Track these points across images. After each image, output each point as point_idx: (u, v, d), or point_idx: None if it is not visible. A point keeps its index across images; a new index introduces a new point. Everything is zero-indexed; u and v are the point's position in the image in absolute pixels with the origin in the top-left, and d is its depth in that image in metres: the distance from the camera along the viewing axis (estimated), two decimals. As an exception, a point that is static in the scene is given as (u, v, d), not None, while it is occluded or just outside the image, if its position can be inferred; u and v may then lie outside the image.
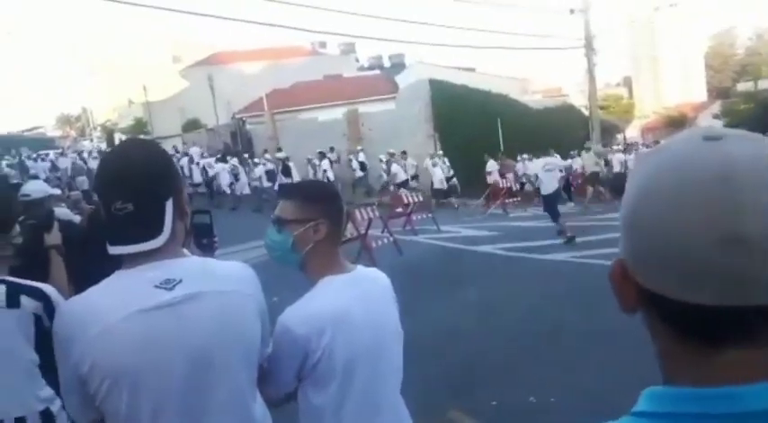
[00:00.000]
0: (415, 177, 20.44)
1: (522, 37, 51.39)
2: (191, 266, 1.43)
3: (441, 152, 21.27)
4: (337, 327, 1.73)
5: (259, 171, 19.97)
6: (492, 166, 19.49)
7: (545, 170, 11.97)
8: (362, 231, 10.87)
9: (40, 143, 37.68)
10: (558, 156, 17.97)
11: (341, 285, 1.81)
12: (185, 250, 1.53)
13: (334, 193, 1.97)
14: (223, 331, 1.40)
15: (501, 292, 7.92)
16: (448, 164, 20.48)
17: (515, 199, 18.02)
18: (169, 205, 1.41)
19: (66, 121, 65.32)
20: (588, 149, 18.25)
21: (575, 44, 23.71)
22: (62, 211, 5.10)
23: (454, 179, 20.53)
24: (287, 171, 19.52)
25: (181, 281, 1.37)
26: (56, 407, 2.37)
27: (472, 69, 34.79)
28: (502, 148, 21.01)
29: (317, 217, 1.81)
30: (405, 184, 18.92)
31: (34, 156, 27.03)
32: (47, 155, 27.54)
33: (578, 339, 5.86)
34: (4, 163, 25.26)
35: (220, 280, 1.44)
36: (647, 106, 66.95)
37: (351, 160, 22.28)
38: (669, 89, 72.52)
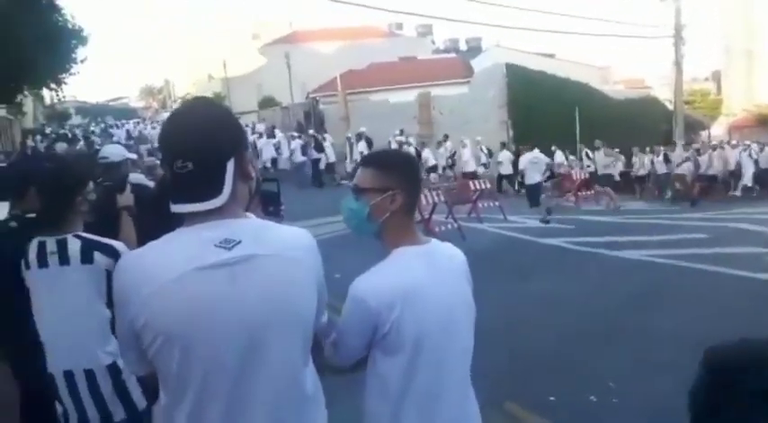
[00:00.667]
0: (485, 165, 20.07)
1: (605, 23, 49.51)
2: (251, 228, 1.40)
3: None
4: (407, 301, 1.71)
5: (295, 144, 20.38)
6: (560, 156, 18.93)
7: (531, 163, 13.77)
8: (426, 216, 10.81)
9: (123, 113, 39.46)
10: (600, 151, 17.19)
11: (414, 257, 1.78)
12: (250, 214, 1.50)
13: (411, 163, 1.95)
14: (278, 296, 1.37)
15: (565, 287, 7.68)
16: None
17: (588, 191, 17.41)
18: (230, 165, 1.38)
19: (149, 93, 67.80)
20: (598, 148, 17.26)
21: (663, 33, 22.61)
22: (136, 176, 5.23)
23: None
24: (319, 146, 20.09)
25: (240, 241, 1.35)
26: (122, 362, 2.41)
27: (551, 55, 33.81)
28: (578, 138, 20.34)
29: (393, 186, 1.79)
30: (473, 172, 18.67)
31: (116, 123, 28.36)
32: (125, 123, 28.88)
33: (643, 340, 5.65)
34: (91, 128, 26.65)
35: (280, 244, 1.41)
36: (737, 103, 63.34)
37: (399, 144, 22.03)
38: (762, 86, 68.26)
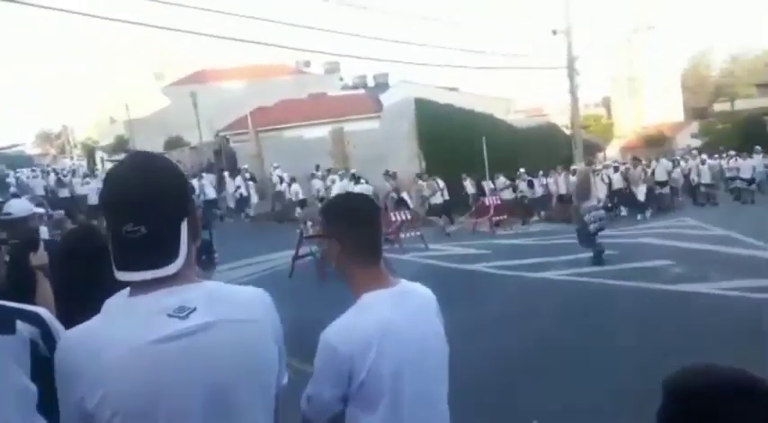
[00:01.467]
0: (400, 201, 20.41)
1: (504, 57, 52.05)
2: (205, 293, 1.31)
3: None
4: (381, 343, 1.68)
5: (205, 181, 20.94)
6: (469, 185, 20.12)
7: None
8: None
9: (18, 160, 37.15)
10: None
11: (382, 300, 1.75)
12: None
13: (351, 208, 1.86)
14: (240, 364, 1.30)
15: (493, 312, 7.85)
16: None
17: (501, 217, 18.03)
18: (184, 227, 1.30)
19: (46, 139, 64.51)
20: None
21: (557, 65, 24.00)
22: (41, 231, 4.98)
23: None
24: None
25: (195, 309, 1.26)
26: None
27: (455, 89, 35.04)
28: (486, 166, 21.09)
29: (331, 233, 1.80)
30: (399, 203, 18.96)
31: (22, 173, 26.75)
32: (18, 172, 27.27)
33: (576, 358, 5.81)
34: None
35: (236, 307, 1.33)
36: (626, 126, 67.94)
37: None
38: (647, 109, 73.67)
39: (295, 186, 20.62)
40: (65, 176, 25.79)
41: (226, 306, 1.31)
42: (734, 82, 59.58)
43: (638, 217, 18.11)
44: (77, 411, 1.22)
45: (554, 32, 23.20)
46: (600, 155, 39.10)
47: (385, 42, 22.97)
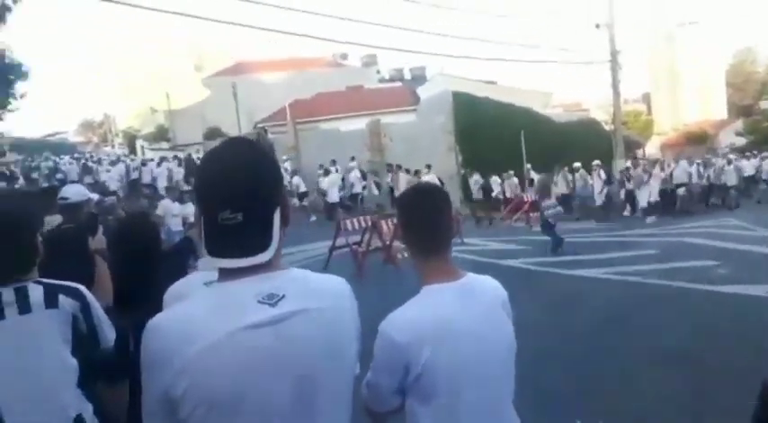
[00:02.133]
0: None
1: (543, 51, 51.34)
2: (293, 281, 1.31)
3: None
4: (438, 340, 1.66)
5: None
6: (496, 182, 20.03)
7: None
8: (388, 242, 10.86)
9: (62, 148, 38.14)
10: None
11: (444, 294, 1.74)
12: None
13: (411, 199, 1.90)
14: (327, 352, 1.29)
15: (528, 309, 7.69)
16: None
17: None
18: (277, 214, 1.30)
19: (89, 127, 66.03)
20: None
21: (598, 59, 23.60)
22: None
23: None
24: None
25: (284, 296, 1.26)
26: (88, 414, 2.27)
27: (493, 82, 34.73)
28: (525, 161, 20.89)
29: (402, 222, 1.86)
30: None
31: (74, 157, 27.47)
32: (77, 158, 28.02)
33: (615, 358, 5.74)
34: (32, 164, 25.59)
35: (323, 295, 1.33)
36: (666, 123, 66.50)
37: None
38: (688, 106, 72.07)
39: (296, 179, 20.80)
40: (94, 163, 26.45)
41: (313, 294, 1.31)
42: (781, 79, 57.73)
43: (648, 220, 17.17)
44: (163, 399, 1.20)
45: (597, 26, 22.81)
46: (639, 152, 38.33)
47: (423, 35, 22.87)
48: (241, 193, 1.25)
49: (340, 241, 11.35)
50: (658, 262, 10.15)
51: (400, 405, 1.75)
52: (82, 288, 2.40)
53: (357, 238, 11.51)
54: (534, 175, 19.89)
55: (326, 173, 20.43)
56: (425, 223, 1.81)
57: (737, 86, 67.22)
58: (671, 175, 19.15)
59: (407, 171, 20.16)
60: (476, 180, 20.88)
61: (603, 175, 19.11)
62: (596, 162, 19.30)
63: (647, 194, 17.70)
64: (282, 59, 42.67)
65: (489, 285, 1.88)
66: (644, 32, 61.89)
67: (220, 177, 1.28)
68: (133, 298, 2.50)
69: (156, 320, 1.26)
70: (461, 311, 1.71)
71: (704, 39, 71.30)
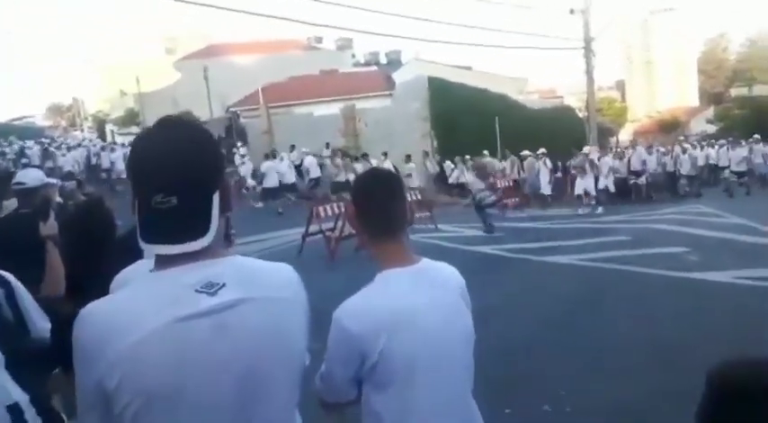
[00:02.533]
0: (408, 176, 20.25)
1: (518, 36, 51.23)
2: (234, 268, 1.23)
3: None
4: (394, 327, 1.62)
5: None
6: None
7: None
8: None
9: (29, 132, 37.21)
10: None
11: (399, 280, 1.70)
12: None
13: (367, 181, 1.87)
14: (271, 343, 1.22)
15: (501, 295, 7.72)
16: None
17: (513, 199, 17.87)
18: (216, 198, 1.22)
19: (57, 111, 64.63)
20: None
21: (572, 45, 23.64)
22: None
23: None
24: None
25: (224, 285, 1.19)
26: (24, 402, 2.14)
27: (469, 68, 34.65)
28: (499, 147, 20.90)
29: (356, 205, 1.81)
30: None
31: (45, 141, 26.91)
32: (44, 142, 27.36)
33: (588, 345, 5.72)
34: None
35: (267, 284, 1.26)
36: (640, 110, 67.26)
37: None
38: (662, 93, 72.96)
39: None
40: (56, 148, 25.89)
41: (256, 282, 1.24)
42: (751, 67, 58.61)
43: (579, 211, 16.58)
44: (96, 392, 1.14)
45: (571, 12, 22.83)
46: (612, 139, 38.70)
47: (398, 19, 22.62)
48: (174, 175, 1.17)
49: (313, 228, 11.28)
50: (630, 248, 10.19)
51: (356, 395, 1.72)
52: (6, 275, 2.31)
53: (330, 224, 11.40)
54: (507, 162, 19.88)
55: (266, 158, 19.52)
56: (382, 208, 1.76)
57: (709, 74, 68.18)
58: (629, 162, 18.89)
59: (356, 158, 19.89)
60: (448, 166, 20.84)
61: (549, 164, 18.92)
62: (542, 150, 19.13)
63: (590, 183, 17.20)
64: (256, 42, 42.01)
65: (446, 272, 1.84)
66: (619, 19, 62.22)
67: (152, 159, 1.20)
68: (84, 285, 2.39)
69: (88, 310, 1.18)
70: (417, 298, 1.68)
71: (678, 26, 72.02)
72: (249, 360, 1.19)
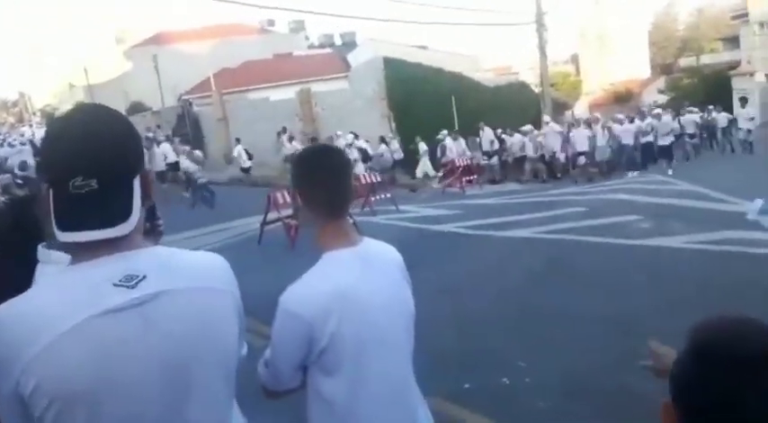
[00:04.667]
0: (367, 159, 20.08)
1: (472, 13, 51.44)
2: (155, 260, 1.19)
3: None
4: (343, 308, 1.59)
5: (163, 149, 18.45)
6: (450, 143, 19.26)
7: None
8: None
9: (-27, 129, 35.86)
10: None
11: (344, 260, 1.67)
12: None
13: (307, 159, 1.79)
14: (198, 336, 1.18)
15: (464, 272, 7.81)
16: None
17: (471, 176, 18.00)
18: (137, 185, 1.18)
19: (3, 107, 62.39)
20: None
21: (526, 20, 23.78)
22: None
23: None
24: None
25: (145, 277, 1.14)
26: None
27: (424, 47, 34.56)
28: (456, 125, 20.96)
29: (296, 185, 1.75)
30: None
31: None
32: None
33: (546, 317, 5.79)
34: None
35: (191, 274, 1.21)
36: (595, 83, 68.19)
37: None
38: (615, 66, 73.96)
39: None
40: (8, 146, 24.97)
41: (180, 273, 1.20)
42: (699, 36, 59.94)
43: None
44: (14, 397, 1.08)
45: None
46: (568, 113, 39.22)
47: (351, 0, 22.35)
48: (94, 157, 1.13)
49: (271, 215, 11.10)
50: (586, 219, 10.39)
51: (300, 383, 1.69)
52: None
53: (289, 211, 11.28)
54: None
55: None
56: (329, 185, 1.71)
57: (660, 45, 69.38)
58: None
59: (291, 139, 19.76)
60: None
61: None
62: (481, 124, 19.48)
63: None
64: (206, 28, 41.10)
65: (386, 249, 1.83)
66: (569, -6, 62.88)
67: (69, 142, 1.14)
68: (9, 287, 2.31)
69: None
70: (362, 278, 1.65)
71: (628, -1, 72.99)
72: (175, 352, 1.15)
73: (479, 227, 10.80)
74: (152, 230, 1.64)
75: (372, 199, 13.61)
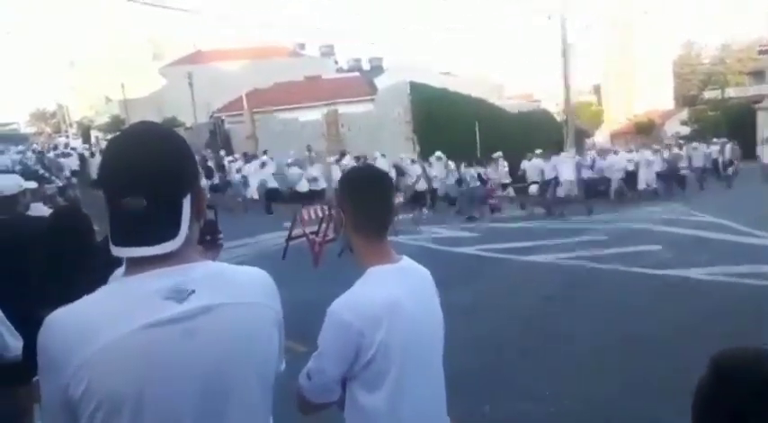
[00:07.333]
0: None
1: (499, 42, 52.16)
2: (205, 274, 1.23)
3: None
4: (391, 318, 1.65)
5: None
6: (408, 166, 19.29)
7: None
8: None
9: (12, 139, 37.10)
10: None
11: (389, 275, 1.75)
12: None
13: (355, 179, 1.89)
14: (241, 350, 1.23)
15: (483, 295, 7.89)
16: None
17: (493, 201, 18.39)
18: (187, 202, 1.23)
19: (41, 118, 64.05)
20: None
21: (550, 51, 24.27)
22: (36, 207, 4.87)
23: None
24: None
25: (194, 291, 1.19)
26: None
27: (449, 73, 35.27)
28: (479, 150, 21.45)
29: (341, 203, 1.83)
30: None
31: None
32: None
33: (567, 344, 5.82)
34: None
35: (237, 290, 1.26)
36: (617, 113, 68.22)
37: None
38: (638, 97, 73.97)
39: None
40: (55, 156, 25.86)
41: (227, 288, 1.24)
42: (724, 70, 59.93)
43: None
44: (61, 400, 1.13)
45: (549, 17, 23.45)
46: (588, 141, 39.48)
47: (380, 26, 23.03)
48: (144, 176, 1.18)
49: (297, 231, 11.21)
50: (608, 247, 10.47)
51: (339, 397, 1.74)
52: None
53: (314, 227, 11.44)
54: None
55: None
56: (375, 206, 1.80)
57: (684, 77, 69.39)
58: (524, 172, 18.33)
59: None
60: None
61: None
62: (497, 154, 19.33)
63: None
64: (241, 49, 42.31)
65: (423, 270, 1.91)
66: (595, 23, 63.31)
67: (123, 160, 1.21)
68: (67, 292, 2.41)
69: (52, 317, 1.17)
70: (407, 292, 1.73)
71: (653, 30, 73.21)
72: (219, 366, 1.19)
73: (499, 250, 10.91)
74: (213, 243, 1.72)
75: (395, 219, 13.97)
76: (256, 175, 18.72)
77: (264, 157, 19.69)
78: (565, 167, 17.17)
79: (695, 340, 5.06)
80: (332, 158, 20.15)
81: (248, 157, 20.66)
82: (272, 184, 18.81)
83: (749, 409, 1.03)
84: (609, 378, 4.90)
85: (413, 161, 19.59)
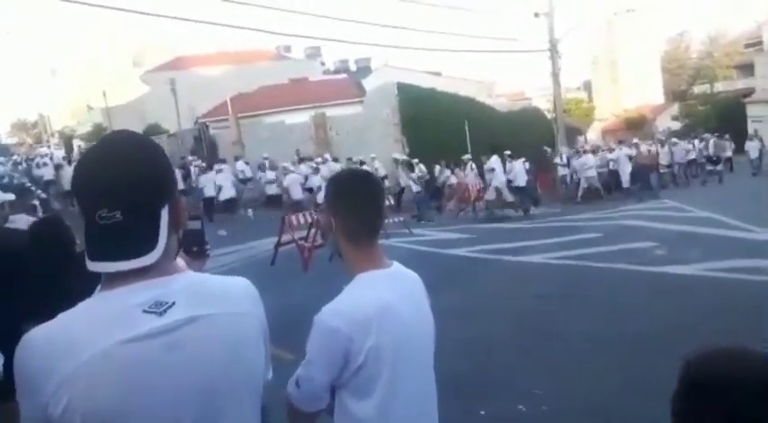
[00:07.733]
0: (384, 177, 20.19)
1: (485, 41, 51.95)
2: (186, 285, 1.20)
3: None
4: (381, 324, 1.61)
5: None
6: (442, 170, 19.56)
7: None
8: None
9: (-6, 151, 36.47)
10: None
11: (378, 280, 1.71)
12: (179, 262, 1.32)
13: (347, 186, 1.81)
14: (230, 360, 1.20)
15: (480, 297, 7.82)
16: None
17: (483, 201, 18.04)
18: (164, 214, 1.18)
19: (22, 128, 63.44)
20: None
21: (539, 48, 23.97)
22: (19, 218, 4.78)
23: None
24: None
25: (174, 303, 1.16)
26: None
27: (438, 73, 34.91)
28: (469, 150, 21.07)
29: (330, 208, 1.77)
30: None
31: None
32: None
33: (560, 343, 5.78)
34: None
35: (219, 300, 1.22)
36: (607, 109, 68.32)
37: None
38: (627, 92, 74.15)
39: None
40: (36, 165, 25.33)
41: (209, 299, 1.21)
42: (713, 64, 60.01)
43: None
44: (41, 419, 1.10)
45: (536, 15, 23.16)
46: (580, 138, 39.27)
47: (367, 26, 22.73)
48: (118, 188, 1.13)
49: (286, 237, 11.20)
50: (600, 245, 10.36)
51: (327, 405, 1.70)
52: None
53: (303, 233, 11.37)
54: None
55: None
56: (366, 210, 1.75)
57: (673, 72, 69.52)
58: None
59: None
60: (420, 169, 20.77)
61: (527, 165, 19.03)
62: (466, 156, 19.45)
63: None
64: (224, 53, 41.77)
65: (413, 274, 1.87)
66: (583, 21, 63.34)
67: (95, 173, 1.16)
68: (49, 306, 2.38)
69: (29, 337, 1.13)
70: (398, 297, 1.69)
71: (640, 26, 73.38)
72: (205, 378, 1.17)
73: (491, 251, 10.82)
74: (200, 254, 1.70)
75: (387, 222, 13.67)
76: (211, 182, 18.69)
77: (223, 165, 19.60)
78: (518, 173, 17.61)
79: (691, 337, 4.93)
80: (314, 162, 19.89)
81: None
82: (230, 191, 18.71)
83: (743, 416, 1.00)
84: (604, 376, 4.85)
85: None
